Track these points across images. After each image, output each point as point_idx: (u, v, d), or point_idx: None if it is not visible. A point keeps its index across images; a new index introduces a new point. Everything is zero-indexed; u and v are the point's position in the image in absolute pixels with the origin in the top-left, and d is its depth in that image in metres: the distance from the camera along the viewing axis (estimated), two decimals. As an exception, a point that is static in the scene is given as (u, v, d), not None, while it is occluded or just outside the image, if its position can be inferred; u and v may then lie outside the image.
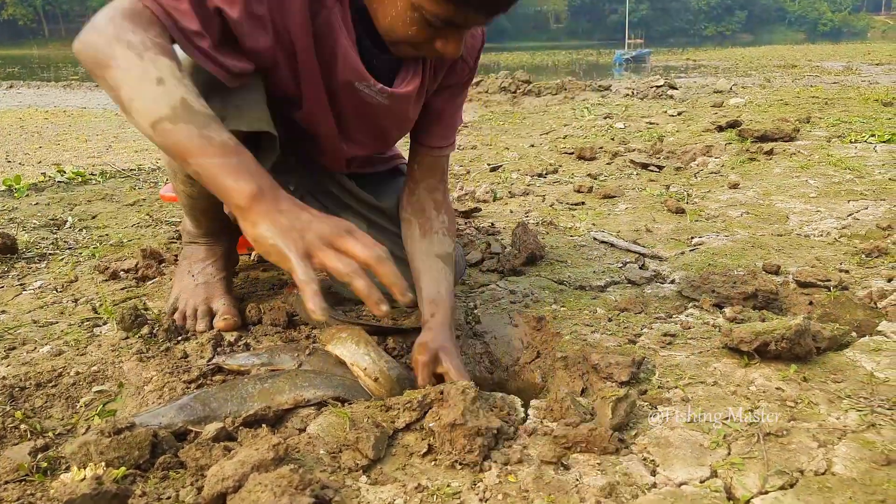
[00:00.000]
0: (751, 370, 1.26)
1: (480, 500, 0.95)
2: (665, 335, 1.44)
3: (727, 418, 1.11)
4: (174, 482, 0.99)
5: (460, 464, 1.02)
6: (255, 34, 1.14)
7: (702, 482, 0.98)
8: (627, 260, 1.95)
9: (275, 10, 1.14)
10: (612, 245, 2.09)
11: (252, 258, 2.03)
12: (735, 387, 1.21)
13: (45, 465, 1.02)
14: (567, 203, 2.70)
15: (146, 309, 1.61)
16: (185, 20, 1.06)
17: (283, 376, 1.19)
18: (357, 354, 1.26)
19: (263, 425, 1.08)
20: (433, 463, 1.04)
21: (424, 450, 1.06)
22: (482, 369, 1.52)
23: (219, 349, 1.37)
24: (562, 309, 1.62)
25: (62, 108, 9.10)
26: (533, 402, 1.20)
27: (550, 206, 2.68)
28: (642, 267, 1.89)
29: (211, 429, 1.05)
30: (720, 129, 4.26)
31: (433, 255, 1.44)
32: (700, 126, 4.58)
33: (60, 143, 5.63)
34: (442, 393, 1.11)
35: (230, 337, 1.45)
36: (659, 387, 1.25)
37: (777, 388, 1.20)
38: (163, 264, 2.01)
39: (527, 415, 1.17)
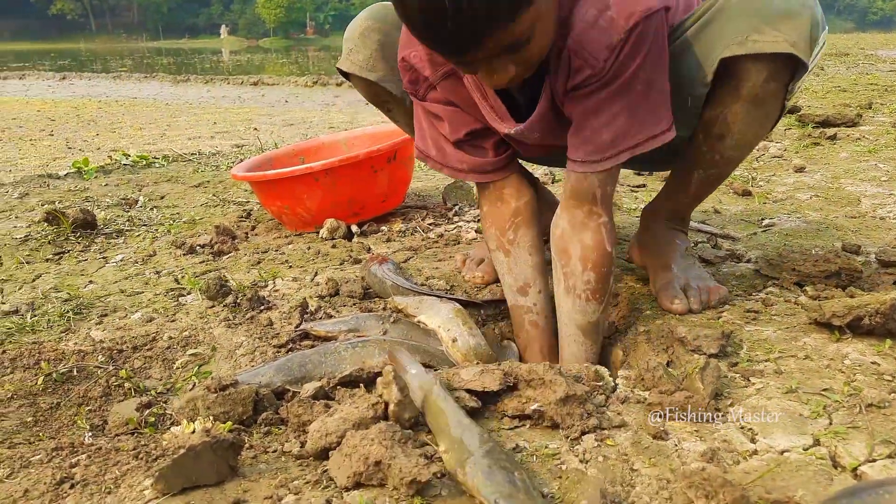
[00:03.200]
0: (843, 345, 1.24)
1: (581, 461, 0.96)
2: (748, 311, 1.42)
3: (825, 389, 1.10)
4: (277, 437, 1.01)
5: (556, 428, 1.03)
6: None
7: (805, 450, 0.96)
8: (699, 240, 1.93)
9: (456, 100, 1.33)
10: (681, 225, 2.07)
11: (321, 235, 2.05)
12: (829, 360, 1.19)
13: (153, 419, 1.05)
14: (629, 185, 2.68)
15: (227, 280, 1.65)
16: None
17: (372, 342, 1.21)
18: (449, 322, 1.27)
19: (360, 385, 1.09)
20: (527, 427, 1.05)
21: (518, 414, 1.07)
22: (558, 344, 1.52)
23: (305, 316, 1.39)
24: (637, 286, 1.61)
25: (114, 98, 9.31)
26: (622, 372, 1.20)
27: (612, 188, 2.66)
28: (715, 246, 1.87)
29: (310, 387, 1.07)
30: (778, 115, 4.18)
31: (574, 325, 1.31)
32: (757, 113, 4.49)
33: (116, 130, 5.76)
34: (530, 370, 1.10)
35: (312, 306, 1.48)
36: (749, 360, 1.24)
37: (873, 363, 1.18)
38: (236, 240, 2.05)
39: (616, 384, 1.17)
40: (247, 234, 2.14)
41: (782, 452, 0.96)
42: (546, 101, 1.25)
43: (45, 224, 2.07)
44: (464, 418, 0.97)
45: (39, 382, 1.16)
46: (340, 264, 1.82)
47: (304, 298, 1.45)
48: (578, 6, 1.15)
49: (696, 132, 1.40)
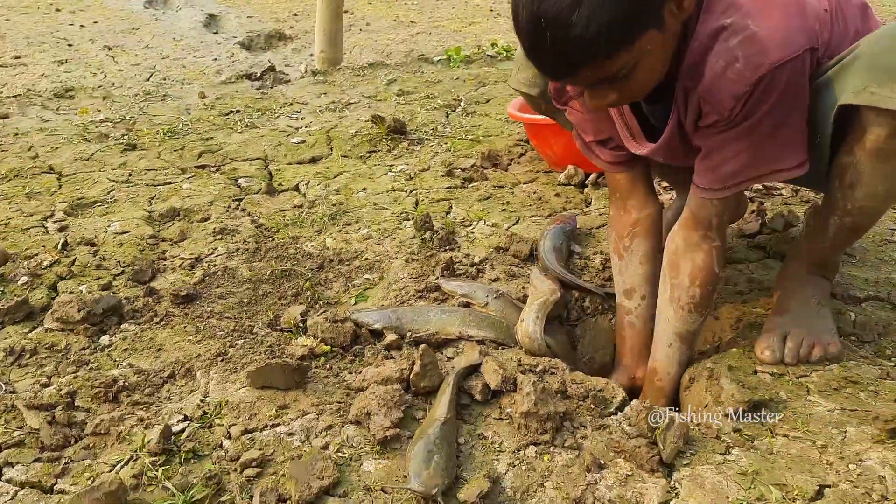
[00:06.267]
0: (888, 451, 1.19)
1: (509, 465, 1.24)
2: (843, 379, 1.38)
3: (782, 485, 1.14)
4: (355, 365, 1.48)
5: (534, 444, 1.27)
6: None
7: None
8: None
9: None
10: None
11: (559, 179, 2.33)
12: (838, 457, 1.19)
13: (302, 326, 1.60)
14: None
15: (449, 213, 2.10)
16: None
17: (458, 312, 1.57)
18: (531, 304, 1.55)
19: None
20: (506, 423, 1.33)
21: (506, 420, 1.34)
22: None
23: (446, 272, 1.78)
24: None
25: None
26: (634, 403, 1.37)
27: None
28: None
29: (387, 340, 1.51)
30: None
31: (673, 331, 1.48)
32: None
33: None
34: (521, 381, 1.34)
35: (477, 258, 1.85)
36: (755, 435, 1.28)
37: None
38: (497, 166, 2.45)
39: (620, 409, 1.36)
40: (510, 161, 2.51)
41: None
42: (671, 131, 1.38)
43: (371, 124, 2.74)
44: (449, 406, 1.31)
45: (267, 274, 1.81)
46: (547, 216, 2.11)
47: (451, 258, 1.83)
48: (711, 54, 1.24)
49: (831, 177, 1.37)
